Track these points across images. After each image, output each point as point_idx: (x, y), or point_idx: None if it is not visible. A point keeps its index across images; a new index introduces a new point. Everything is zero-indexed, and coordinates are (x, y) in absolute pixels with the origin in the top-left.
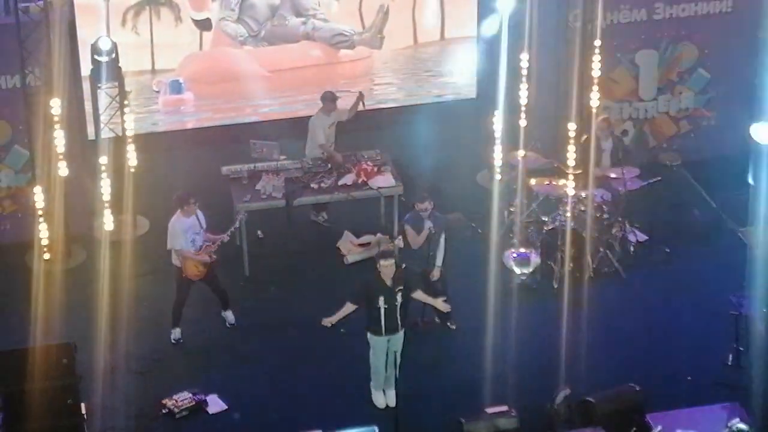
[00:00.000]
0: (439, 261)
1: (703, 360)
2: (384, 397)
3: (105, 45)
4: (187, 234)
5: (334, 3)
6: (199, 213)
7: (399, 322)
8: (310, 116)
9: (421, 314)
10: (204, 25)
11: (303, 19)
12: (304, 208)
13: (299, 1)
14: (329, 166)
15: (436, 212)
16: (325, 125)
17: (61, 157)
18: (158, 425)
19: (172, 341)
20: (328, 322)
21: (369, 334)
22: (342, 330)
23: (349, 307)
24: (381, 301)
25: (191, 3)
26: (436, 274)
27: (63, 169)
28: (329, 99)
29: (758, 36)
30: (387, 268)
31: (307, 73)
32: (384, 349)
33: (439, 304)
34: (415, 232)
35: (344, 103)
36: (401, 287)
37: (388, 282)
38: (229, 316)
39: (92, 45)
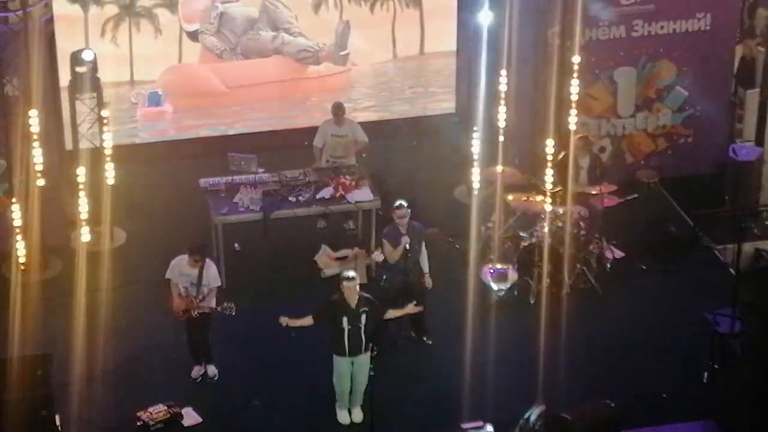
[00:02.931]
0: (425, 268)
1: (679, 377)
2: (349, 416)
3: (87, 56)
4: (182, 278)
5: (312, 17)
6: (210, 269)
7: (363, 344)
8: (288, 129)
9: (398, 329)
10: (196, 36)
11: (274, 33)
12: (284, 221)
13: (275, 15)
14: (307, 179)
15: (413, 222)
16: (327, 132)
17: (38, 167)
18: None
19: (191, 377)
20: (285, 321)
21: (334, 356)
22: (293, 334)
23: (308, 320)
24: (345, 321)
25: (183, 15)
26: (427, 281)
27: (40, 180)
28: (332, 110)
29: (735, 54)
30: (350, 289)
31: (284, 87)
32: (348, 371)
33: (410, 309)
34: (392, 246)
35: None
36: (366, 309)
37: (353, 303)
38: (210, 370)
39: (72, 55)
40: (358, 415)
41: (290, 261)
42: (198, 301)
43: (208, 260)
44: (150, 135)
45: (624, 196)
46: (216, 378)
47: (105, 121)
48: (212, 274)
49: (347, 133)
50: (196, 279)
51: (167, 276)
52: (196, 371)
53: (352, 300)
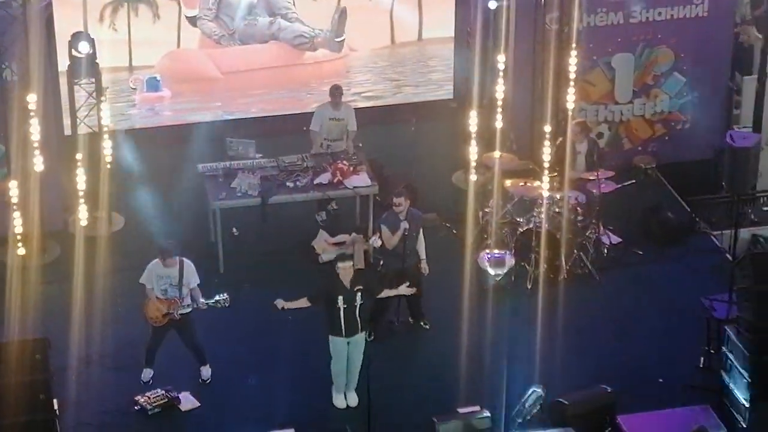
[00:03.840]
0: (422, 254)
1: (675, 362)
2: (345, 399)
3: (83, 48)
4: (160, 280)
5: (310, 2)
6: (189, 269)
7: (359, 323)
8: (286, 115)
9: (396, 314)
10: (196, 22)
11: (271, 19)
12: (282, 206)
13: (273, 0)
14: (305, 164)
15: (412, 209)
16: (324, 116)
17: (36, 152)
18: (131, 421)
19: (142, 381)
20: (281, 304)
21: (330, 337)
22: (290, 317)
23: (304, 302)
24: (340, 301)
25: (183, 0)
26: (424, 267)
27: (39, 164)
28: (330, 93)
29: (733, 40)
30: (345, 270)
31: (281, 73)
32: (344, 352)
33: (403, 289)
34: (390, 232)
35: None
36: (360, 288)
37: (347, 284)
38: (204, 372)
39: (70, 40)
40: (353, 399)
41: (288, 246)
42: (180, 301)
43: (186, 260)
44: (148, 120)
45: (621, 182)
46: (209, 381)
47: (103, 106)
48: (192, 273)
49: (344, 117)
50: (176, 279)
51: (142, 281)
52: (147, 374)
53: (347, 280)
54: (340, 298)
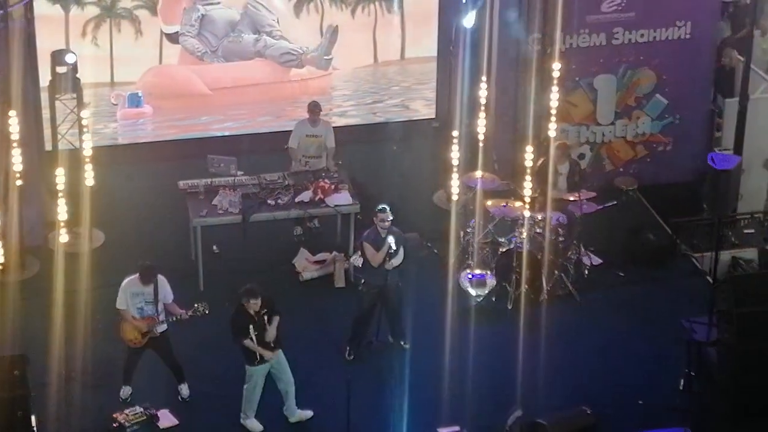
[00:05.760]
0: (398, 262)
1: (655, 384)
2: (257, 423)
3: (69, 59)
4: (135, 298)
5: (295, 20)
6: (163, 284)
7: (272, 343)
8: (268, 132)
9: (375, 334)
10: (174, 38)
11: (256, 36)
12: (263, 224)
13: (257, 17)
14: (287, 182)
15: (392, 226)
16: (301, 133)
17: (17, 168)
18: None
19: (120, 398)
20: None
21: (248, 368)
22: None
23: (248, 343)
24: (251, 329)
25: (162, 16)
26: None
27: (18, 180)
28: (309, 109)
29: (715, 63)
30: (253, 305)
31: (265, 90)
32: (263, 380)
33: (266, 353)
34: (374, 249)
35: None
36: (265, 311)
37: (252, 312)
38: (183, 389)
39: (52, 56)
40: (303, 415)
41: (268, 264)
42: (158, 318)
43: (160, 276)
44: (129, 136)
45: (603, 203)
46: (188, 398)
47: (84, 122)
48: (167, 290)
49: (321, 133)
50: (151, 296)
51: (119, 306)
52: (125, 392)
53: (254, 311)
54: (251, 326)
